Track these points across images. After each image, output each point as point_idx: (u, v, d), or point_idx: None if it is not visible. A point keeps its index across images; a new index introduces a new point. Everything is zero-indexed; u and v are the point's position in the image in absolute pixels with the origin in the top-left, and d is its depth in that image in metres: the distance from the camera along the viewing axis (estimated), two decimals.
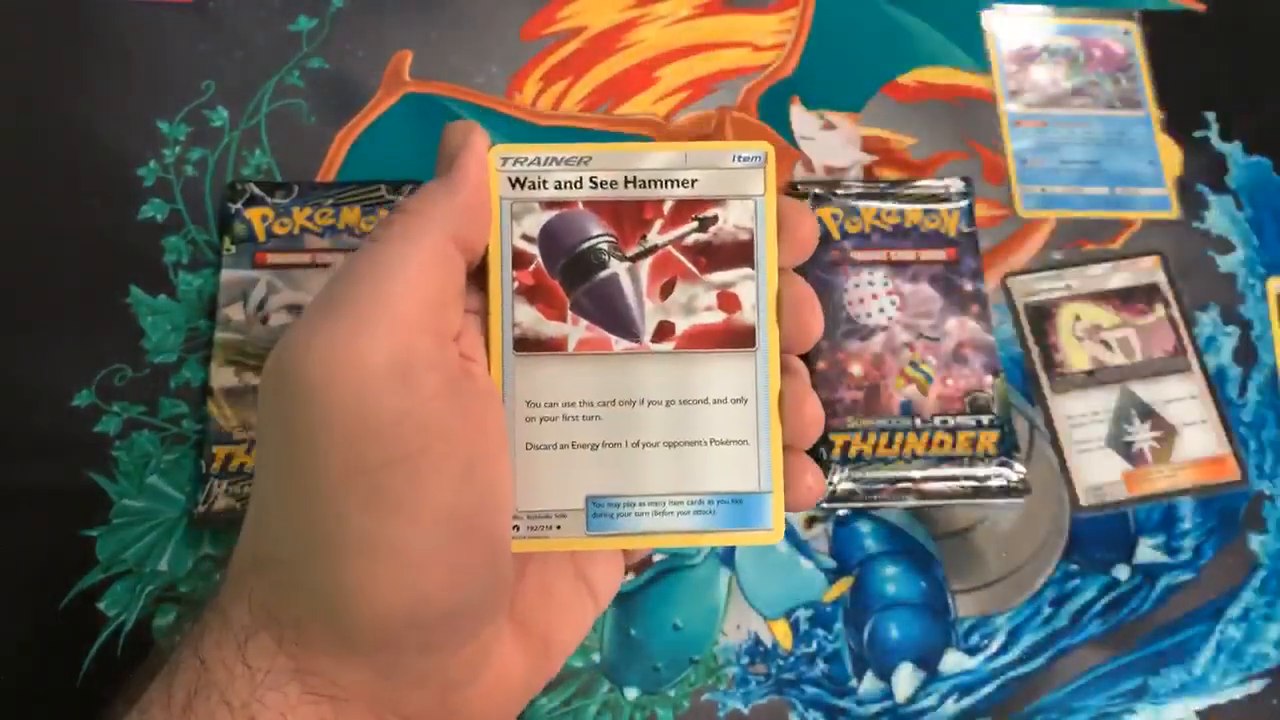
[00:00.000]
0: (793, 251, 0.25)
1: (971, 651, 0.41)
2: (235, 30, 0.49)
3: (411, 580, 0.21)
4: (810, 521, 0.43)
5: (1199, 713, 0.41)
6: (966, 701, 0.40)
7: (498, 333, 0.25)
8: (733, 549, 0.42)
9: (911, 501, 0.42)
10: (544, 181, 0.25)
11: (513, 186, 0.25)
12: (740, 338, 0.25)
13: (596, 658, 0.40)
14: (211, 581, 0.40)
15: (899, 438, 0.42)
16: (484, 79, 0.49)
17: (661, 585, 0.41)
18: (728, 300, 0.25)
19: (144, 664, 0.22)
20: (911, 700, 0.40)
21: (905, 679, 0.41)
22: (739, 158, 0.25)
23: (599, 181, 0.25)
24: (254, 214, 0.43)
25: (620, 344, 0.25)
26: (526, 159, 0.25)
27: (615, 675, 0.40)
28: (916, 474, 0.41)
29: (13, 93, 0.47)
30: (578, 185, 0.25)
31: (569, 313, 0.25)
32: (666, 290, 0.25)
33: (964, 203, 0.45)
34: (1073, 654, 0.41)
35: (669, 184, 0.25)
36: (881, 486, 0.41)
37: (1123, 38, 0.52)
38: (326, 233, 0.43)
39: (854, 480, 0.41)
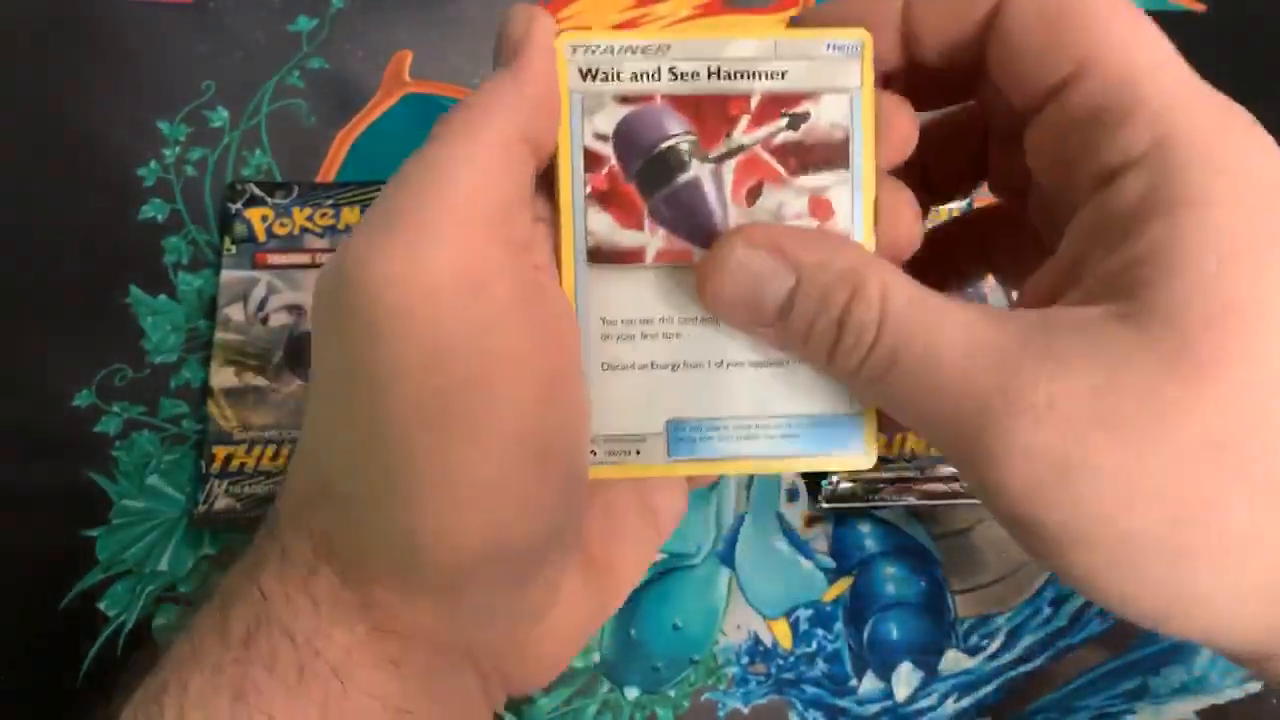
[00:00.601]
0: (891, 152, 0.23)
1: (971, 651, 0.41)
2: (235, 30, 0.49)
3: (486, 512, 0.19)
4: (810, 521, 0.43)
5: (1199, 713, 0.41)
6: (966, 701, 0.40)
7: (570, 243, 0.22)
8: (733, 549, 0.42)
9: (911, 501, 0.42)
10: (618, 73, 0.22)
11: (583, 78, 0.22)
12: None
13: (596, 658, 0.40)
14: (218, 577, 0.40)
15: (899, 438, 0.42)
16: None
17: (661, 585, 0.41)
18: (820, 207, 0.23)
19: (140, 658, 0.22)
20: (911, 700, 0.40)
21: (905, 679, 0.41)
22: (833, 46, 0.22)
23: (679, 73, 0.22)
24: (254, 214, 0.43)
25: (702, 255, 0.22)
26: (599, 46, 0.22)
27: (615, 675, 0.40)
28: (916, 474, 0.41)
29: (13, 92, 0.47)
30: (655, 77, 0.22)
31: (646, 220, 0.23)
32: (753, 195, 0.23)
33: (963, 202, 0.45)
34: (1073, 654, 0.41)
35: (756, 76, 0.22)
36: (881, 486, 0.41)
37: None
38: (327, 233, 0.43)
39: (854, 480, 0.41)
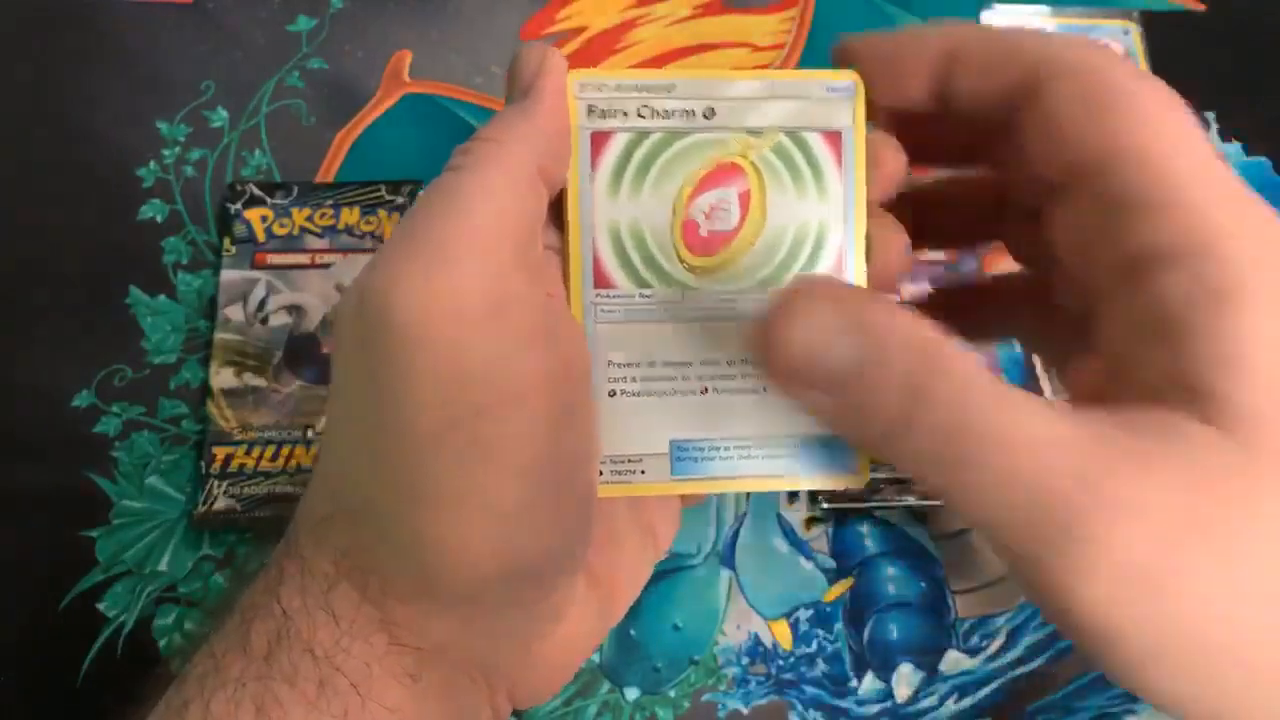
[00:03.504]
0: (880, 188, 0.24)
1: (971, 651, 0.41)
2: (235, 30, 0.49)
3: (505, 533, 0.20)
4: (810, 522, 0.43)
5: None
6: (966, 701, 0.40)
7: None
8: (733, 549, 0.42)
9: (911, 501, 0.42)
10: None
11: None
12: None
13: (596, 658, 0.40)
14: (211, 582, 0.40)
15: None
16: (484, 79, 0.49)
17: (661, 586, 0.41)
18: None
19: (154, 675, 0.22)
20: (911, 701, 0.40)
21: (905, 679, 0.41)
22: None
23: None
24: (254, 214, 0.43)
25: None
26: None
27: (615, 675, 0.40)
28: None
29: (13, 92, 0.47)
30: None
31: None
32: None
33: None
34: (1073, 654, 0.41)
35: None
36: (881, 486, 0.41)
37: (1123, 38, 0.52)
38: (326, 233, 0.43)
39: None
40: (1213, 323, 0.17)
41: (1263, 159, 0.50)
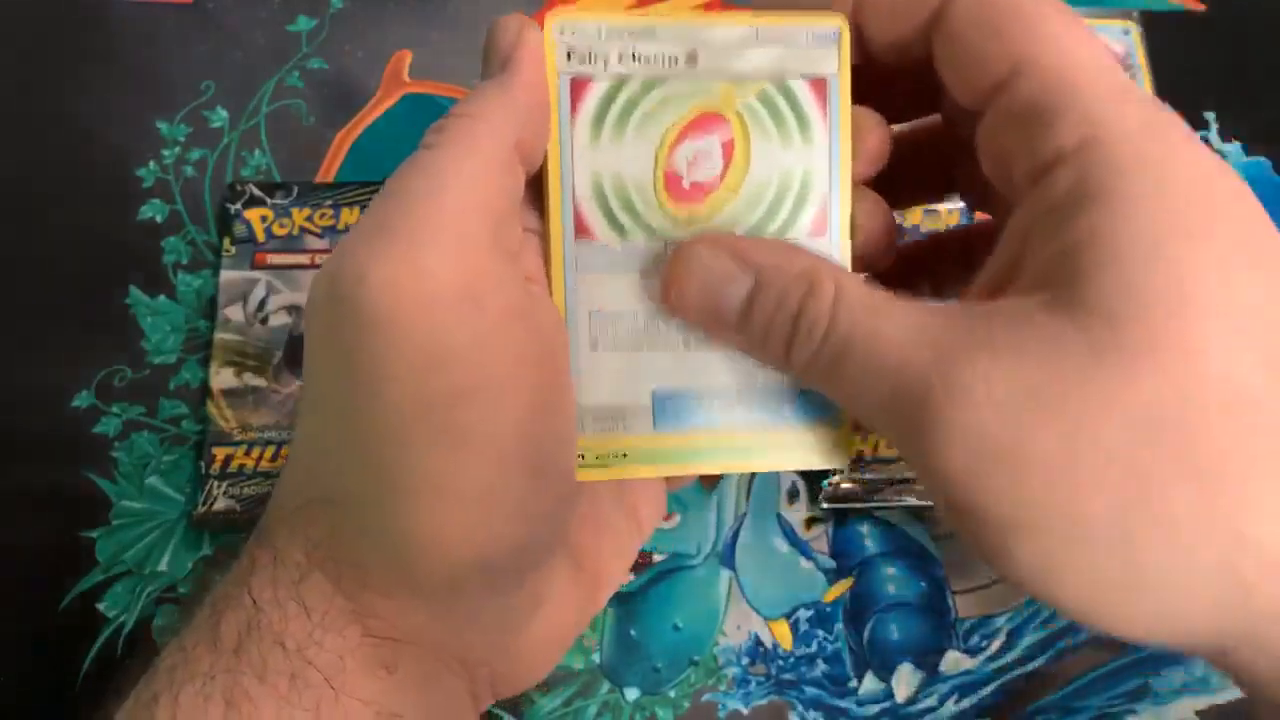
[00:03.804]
0: (865, 165, 0.24)
1: (971, 651, 0.41)
2: (235, 30, 0.49)
3: (482, 519, 0.20)
4: (810, 522, 0.43)
5: (1199, 713, 0.41)
6: (966, 701, 0.40)
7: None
8: (733, 549, 0.42)
9: (911, 501, 0.42)
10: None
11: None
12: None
13: (596, 658, 0.40)
14: (211, 583, 0.40)
15: None
16: None
17: (661, 586, 0.41)
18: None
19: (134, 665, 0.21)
20: (912, 701, 0.40)
21: (905, 679, 0.41)
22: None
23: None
24: (253, 215, 0.43)
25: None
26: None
27: (615, 676, 0.40)
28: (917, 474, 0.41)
29: (13, 93, 0.47)
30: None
31: None
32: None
33: (962, 204, 0.45)
34: (1073, 654, 0.41)
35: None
36: (881, 486, 0.41)
37: (1122, 37, 0.52)
38: (326, 233, 0.43)
39: (854, 480, 0.41)
40: (1082, 219, 0.18)
41: (1262, 159, 0.50)
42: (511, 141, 0.21)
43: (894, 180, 0.25)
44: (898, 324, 0.19)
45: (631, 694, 0.40)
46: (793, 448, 0.24)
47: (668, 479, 0.27)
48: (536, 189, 0.23)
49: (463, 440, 0.19)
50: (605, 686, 0.40)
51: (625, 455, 0.23)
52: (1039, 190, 0.19)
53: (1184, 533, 0.17)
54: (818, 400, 0.24)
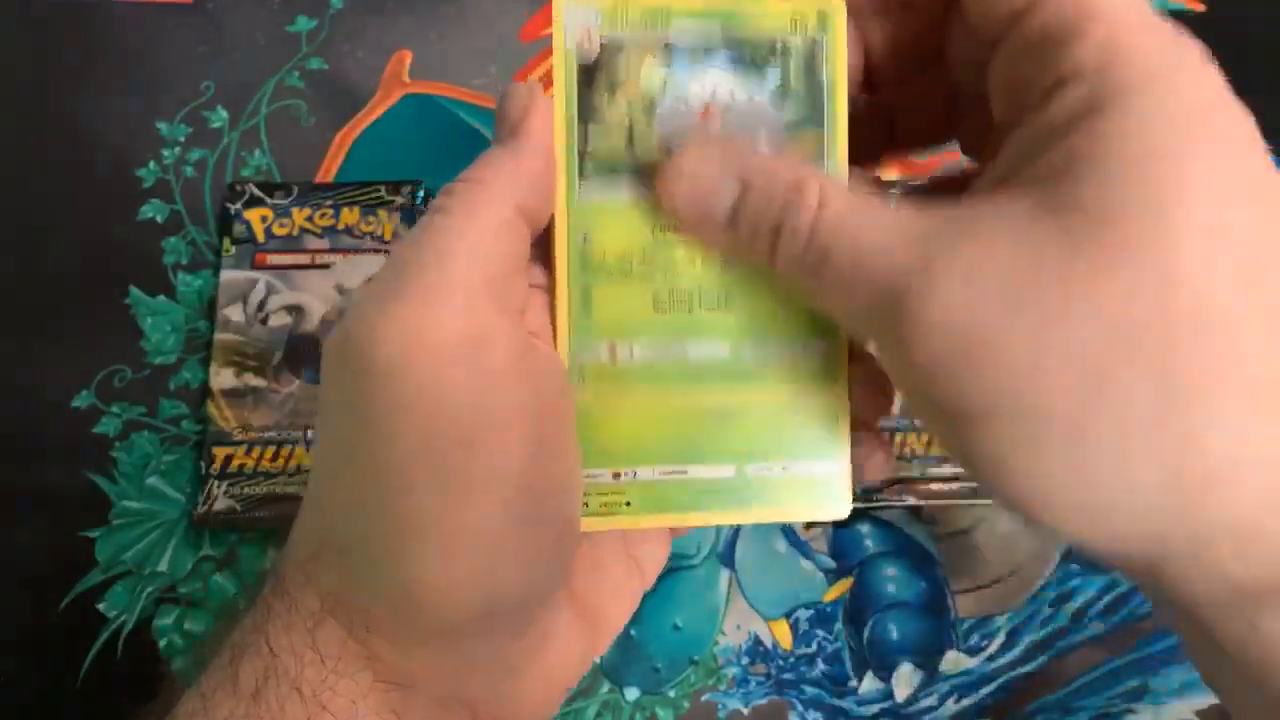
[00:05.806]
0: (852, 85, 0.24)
1: (971, 651, 0.41)
2: (235, 30, 0.49)
3: (486, 566, 0.20)
4: (810, 522, 0.43)
5: (1199, 713, 0.41)
6: (966, 701, 0.40)
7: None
8: (733, 549, 0.42)
9: (911, 501, 0.42)
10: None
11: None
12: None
13: (597, 658, 0.40)
14: (211, 582, 0.40)
15: (899, 438, 0.42)
16: (484, 79, 0.49)
17: (661, 586, 0.41)
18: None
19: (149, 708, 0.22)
20: (912, 701, 0.40)
21: (905, 679, 0.41)
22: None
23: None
24: (253, 215, 0.43)
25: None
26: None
27: (615, 675, 0.40)
28: (916, 474, 0.41)
29: (13, 93, 0.47)
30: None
31: None
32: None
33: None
34: (1073, 654, 0.41)
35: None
36: (882, 486, 0.41)
37: None
38: (326, 233, 0.43)
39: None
40: (1082, 126, 0.18)
41: None
42: (517, 206, 0.22)
43: (892, 126, 0.25)
44: (882, 224, 0.20)
45: (631, 694, 0.40)
46: (796, 499, 0.24)
47: (673, 528, 0.28)
48: (543, 248, 0.24)
49: (464, 487, 0.20)
50: (605, 686, 0.40)
51: (629, 504, 0.24)
52: (1048, 104, 0.19)
53: (1137, 436, 0.17)
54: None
